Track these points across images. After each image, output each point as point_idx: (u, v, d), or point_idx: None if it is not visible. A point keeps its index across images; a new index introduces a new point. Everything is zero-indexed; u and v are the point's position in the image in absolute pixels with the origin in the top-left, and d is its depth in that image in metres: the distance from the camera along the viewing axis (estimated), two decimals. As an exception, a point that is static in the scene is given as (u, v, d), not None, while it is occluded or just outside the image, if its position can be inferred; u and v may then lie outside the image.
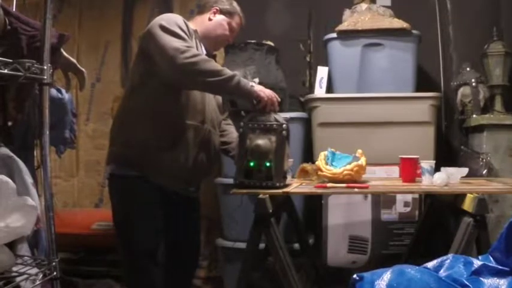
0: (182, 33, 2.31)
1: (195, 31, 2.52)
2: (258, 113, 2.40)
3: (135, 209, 2.37)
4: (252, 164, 2.33)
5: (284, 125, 2.35)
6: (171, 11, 3.93)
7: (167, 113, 2.38)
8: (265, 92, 2.40)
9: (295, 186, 2.49)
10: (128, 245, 2.39)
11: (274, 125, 2.35)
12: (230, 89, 2.32)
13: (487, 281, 1.48)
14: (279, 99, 2.46)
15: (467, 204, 2.15)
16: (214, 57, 2.67)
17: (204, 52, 2.52)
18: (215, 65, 2.32)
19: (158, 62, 2.29)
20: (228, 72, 2.29)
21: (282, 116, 2.42)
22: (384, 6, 3.61)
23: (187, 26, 2.41)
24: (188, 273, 2.74)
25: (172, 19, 2.36)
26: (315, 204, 3.49)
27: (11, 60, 1.65)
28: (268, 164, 2.32)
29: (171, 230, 2.51)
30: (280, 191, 2.33)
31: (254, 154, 2.32)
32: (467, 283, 1.47)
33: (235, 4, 2.65)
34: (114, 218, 2.42)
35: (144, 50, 2.38)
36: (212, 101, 2.55)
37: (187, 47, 2.26)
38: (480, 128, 3.30)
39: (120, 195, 2.42)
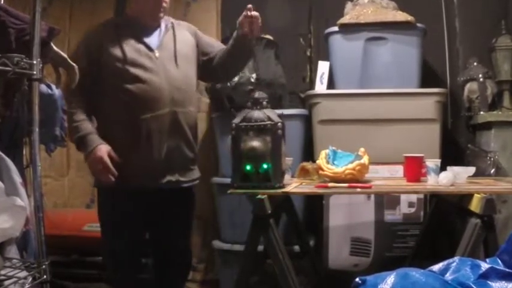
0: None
1: (127, 17, 2.56)
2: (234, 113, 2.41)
3: (108, 219, 2.56)
4: (248, 167, 2.32)
5: (279, 124, 2.33)
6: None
7: (122, 115, 2.43)
8: (92, 163, 2.41)
9: (295, 186, 2.49)
10: (106, 254, 2.62)
11: (268, 125, 2.33)
12: (78, 146, 2.46)
13: (495, 284, 1.48)
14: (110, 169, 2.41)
15: (475, 205, 2.15)
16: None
17: (132, 41, 2.49)
18: (73, 121, 2.45)
19: None
20: (79, 130, 2.42)
21: (275, 112, 2.41)
22: (387, -2, 3.61)
23: (87, 48, 2.49)
24: (178, 273, 2.76)
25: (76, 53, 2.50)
26: (315, 204, 3.49)
27: (-1, 55, 1.65)
28: (265, 167, 2.31)
29: (156, 231, 2.67)
30: (279, 191, 2.33)
31: (250, 157, 2.31)
32: (475, 287, 1.47)
33: None
34: None
35: None
36: (174, 80, 2.50)
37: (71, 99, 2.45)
38: (488, 126, 3.30)
39: (98, 205, 2.60)
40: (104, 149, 2.39)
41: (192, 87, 2.61)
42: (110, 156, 2.39)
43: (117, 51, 2.46)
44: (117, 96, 2.45)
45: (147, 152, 2.43)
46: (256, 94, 2.41)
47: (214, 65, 2.69)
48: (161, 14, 2.58)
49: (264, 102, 2.40)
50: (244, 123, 2.34)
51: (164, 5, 2.56)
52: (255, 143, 2.30)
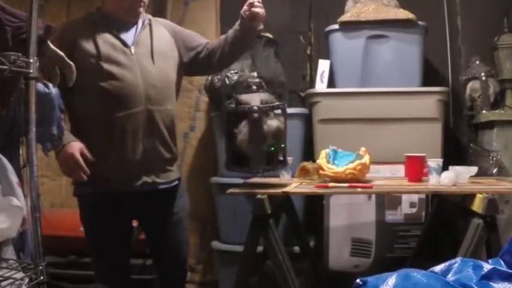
0: None
1: (105, 13, 2.51)
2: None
3: (89, 226, 2.54)
4: (273, 148, 2.36)
5: (286, 105, 2.43)
6: (164, 4, 3.91)
7: (94, 115, 2.39)
8: (63, 160, 2.33)
9: (295, 185, 2.49)
10: (92, 259, 2.61)
11: (281, 106, 2.39)
12: None
13: (498, 285, 1.48)
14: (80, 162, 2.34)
15: (477, 205, 2.16)
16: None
17: (108, 36, 2.45)
18: None
19: None
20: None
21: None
22: (388, -4, 3.61)
23: (60, 37, 2.32)
24: (173, 275, 2.74)
25: None
26: (315, 204, 3.50)
27: (-5, 53, 1.65)
28: (283, 146, 2.39)
29: (147, 232, 2.69)
30: (279, 190, 2.33)
31: (276, 138, 2.35)
32: (477, 288, 1.48)
33: None
34: None
35: None
36: (150, 77, 2.44)
37: None
38: (490, 125, 3.30)
39: (80, 213, 2.57)
40: (75, 146, 2.32)
41: (169, 85, 2.55)
42: (82, 154, 2.32)
43: (90, 46, 2.40)
44: (91, 93, 2.39)
45: (121, 152, 2.38)
46: (256, 79, 2.45)
47: (205, 58, 2.66)
48: (140, 9, 2.52)
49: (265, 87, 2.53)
50: (263, 105, 2.35)
51: (141, 1, 2.51)
52: (278, 123, 2.36)
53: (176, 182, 2.61)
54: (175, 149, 2.60)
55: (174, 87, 2.58)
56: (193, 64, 2.66)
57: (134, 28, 2.52)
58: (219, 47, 2.63)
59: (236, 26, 2.58)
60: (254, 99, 2.37)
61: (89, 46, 2.41)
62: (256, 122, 2.32)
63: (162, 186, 2.51)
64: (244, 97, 2.40)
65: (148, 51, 2.49)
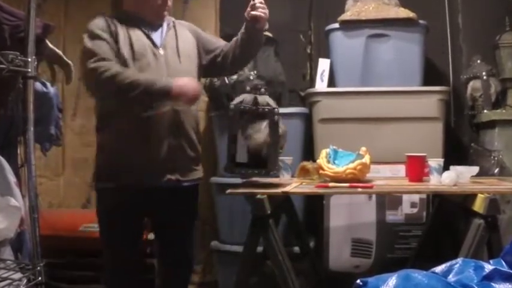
0: (96, 47, 2.36)
1: (129, 13, 2.54)
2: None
3: (107, 220, 2.55)
4: (281, 151, 2.43)
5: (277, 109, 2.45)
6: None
7: (123, 113, 2.43)
8: (186, 86, 2.38)
9: (295, 185, 2.49)
10: (104, 255, 2.58)
11: (275, 109, 2.42)
12: (152, 97, 2.38)
13: (499, 286, 1.48)
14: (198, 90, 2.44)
15: (478, 205, 2.16)
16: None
17: (141, 34, 2.50)
18: (128, 77, 2.33)
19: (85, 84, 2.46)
20: (142, 81, 2.32)
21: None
22: (389, -6, 3.61)
23: (108, 25, 2.43)
24: (180, 273, 2.77)
25: (90, 30, 2.42)
26: (315, 205, 3.50)
27: (-7, 52, 1.65)
28: (280, 151, 2.43)
29: (159, 230, 2.71)
30: (279, 190, 2.33)
31: (283, 141, 2.42)
32: (478, 289, 1.47)
33: None
34: None
35: None
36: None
37: (96, 66, 2.32)
38: (491, 124, 3.30)
39: (97, 207, 2.59)
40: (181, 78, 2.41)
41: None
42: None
43: (126, 42, 2.45)
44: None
45: (147, 149, 2.43)
46: (256, 81, 2.46)
47: (221, 61, 2.71)
48: (165, 13, 2.60)
49: (262, 89, 2.48)
50: (276, 107, 2.40)
51: (169, 3, 2.58)
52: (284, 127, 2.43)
53: (199, 181, 2.68)
54: (200, 148, 2.65)
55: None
56: (211, 67, 2.73)
57: (160, 30, 2.58)
58: (231, 49, 2.69)
59: (242, 28, 2.64)
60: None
61: (124, 41, 2.45)
62: (276, 123, 2.37)
63: (185, 184, 2.56)
64: (259, 98, 2.43)
65: (175, 53, 2.54)
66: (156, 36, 2.55)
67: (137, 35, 2.49)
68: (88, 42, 2.37)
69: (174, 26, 2.63)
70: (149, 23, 2.55)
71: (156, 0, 2.53)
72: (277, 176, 2.78)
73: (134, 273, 2.60)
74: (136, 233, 2.61)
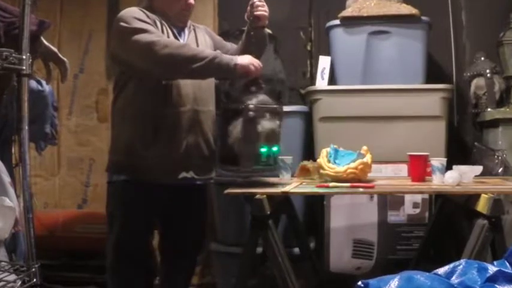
0: (145, 25, 2.40)
1: (157, 12, 2.58)
2: (246, 88, 2.46)
3: (118, 213, 2.56)
4: (265, 149, 2.39)
5: (283, 108, 2.48)
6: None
7: (145, 108, 2.48)
8: (250, 64, 2.44)
9: (295, 185, 2.49)
10: (111, 247, 2.58)
11: (278, 108, 2.44)
12: (213, 71, 2.47)
13: (503, 288, 1.49)
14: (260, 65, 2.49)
15: (482, 205, 2.16)
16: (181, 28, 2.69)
17: (170, 33, 2.56)
18: (191, 50, 2.41)
19: (135, 64, 2.43)
20: (206, 54, 2.38)
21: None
22: (391, -10, 3.61)
23: (146, 14, 2.48)
24: (183, 272, 2.82)
25: (129, 15, 2.44)
26: (316, 205, 3.50)
27: (-14, 50, 1.65)
28: (275, 149, 2.42)
29: (167, 226, 2.73)
30: (278, 190, 2.33)
31: (268, 139, 2.39)
32: (482, 291, 1.48)
33: None
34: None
35: (116, 56, 2.53)
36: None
37: (155, 39, 2.36)
38: (495, 123, 3.30)
39: (108, 199, 2.62)
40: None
41: (212, 87, 2.70)
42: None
43: (165, 35, 2.51)
44: (144, 86, 2.50)
45: (165, 146, 2.49)
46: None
47: None
48: (187, 18, 2.69)
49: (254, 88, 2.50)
50: (260, 105, 2.39)
51: (191, 8, 2.65)
52: (273, 125, 2.40)
53: (212, 180, 2.77)
54: (215, 148, 2.69)
55: (214, 90, 2.73)
56: None
57: (183, 32, 2.66)
58: (237, 51, 2.74)
59: (245, 29, 2.70)
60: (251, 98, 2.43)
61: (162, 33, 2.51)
62: (250, 120, 2.37)
63: (199, 182, 2.63)
64: (241, 95, 2.45)
65: None
66: (181, 38, 2.62)
67: (169, 33, 2.55)
68: (133, 23, 2.39)
69: (194, 30, 2.72)
70: (174, 24, 2.61)
71: (181, 3, 2.59)
72: (277, 176, 2.78)
73: (141, 269, 2.62)
74: (147, 229, 2.67)
